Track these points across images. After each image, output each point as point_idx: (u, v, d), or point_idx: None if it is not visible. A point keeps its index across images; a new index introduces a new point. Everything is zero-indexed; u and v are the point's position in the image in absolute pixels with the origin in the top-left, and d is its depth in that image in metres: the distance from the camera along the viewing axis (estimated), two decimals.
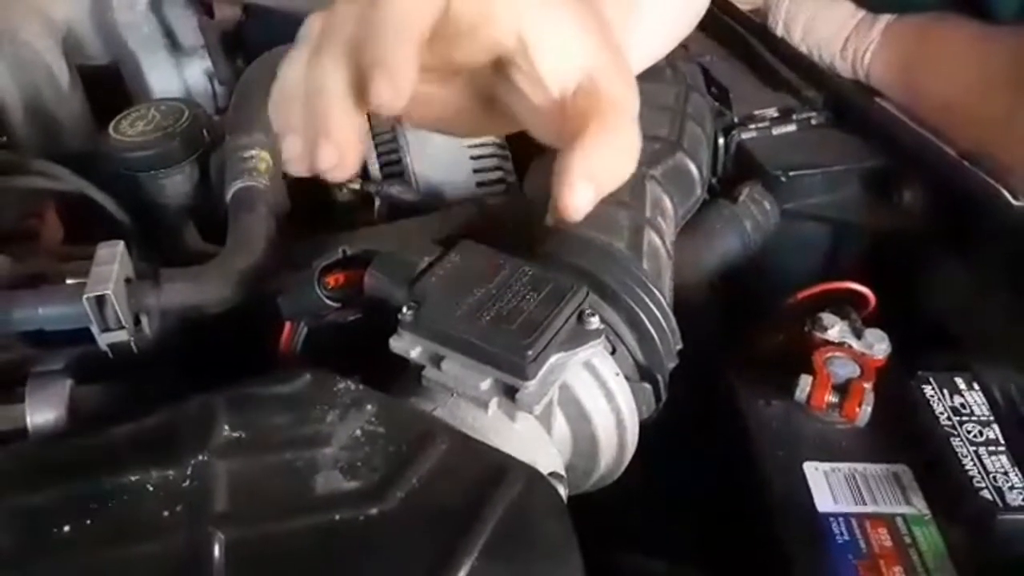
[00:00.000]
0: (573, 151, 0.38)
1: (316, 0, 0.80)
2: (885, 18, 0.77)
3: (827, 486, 0.48)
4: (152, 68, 0.83)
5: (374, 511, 0.35)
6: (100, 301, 0.47)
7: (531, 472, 0.38)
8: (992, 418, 0.49)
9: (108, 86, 0.84)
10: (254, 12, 0.82)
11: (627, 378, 0.47)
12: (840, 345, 0.53)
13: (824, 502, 0.47)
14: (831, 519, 0.46)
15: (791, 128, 0.72)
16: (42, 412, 0.46)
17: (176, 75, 0.84)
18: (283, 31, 0.78)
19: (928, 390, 0.51)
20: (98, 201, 0.65)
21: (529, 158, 0.63)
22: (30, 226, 0.64)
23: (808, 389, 0.51)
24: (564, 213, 0.38)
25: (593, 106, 0.38)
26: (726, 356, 0.58)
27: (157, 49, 0.83)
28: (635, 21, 0.50)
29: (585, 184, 0.38)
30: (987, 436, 0.48)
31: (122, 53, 0.84)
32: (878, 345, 0.54)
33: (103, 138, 0.66)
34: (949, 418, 0.49)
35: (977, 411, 0.49)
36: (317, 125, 0.35)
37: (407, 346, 0.44)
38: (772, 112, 0.72)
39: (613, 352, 0.48)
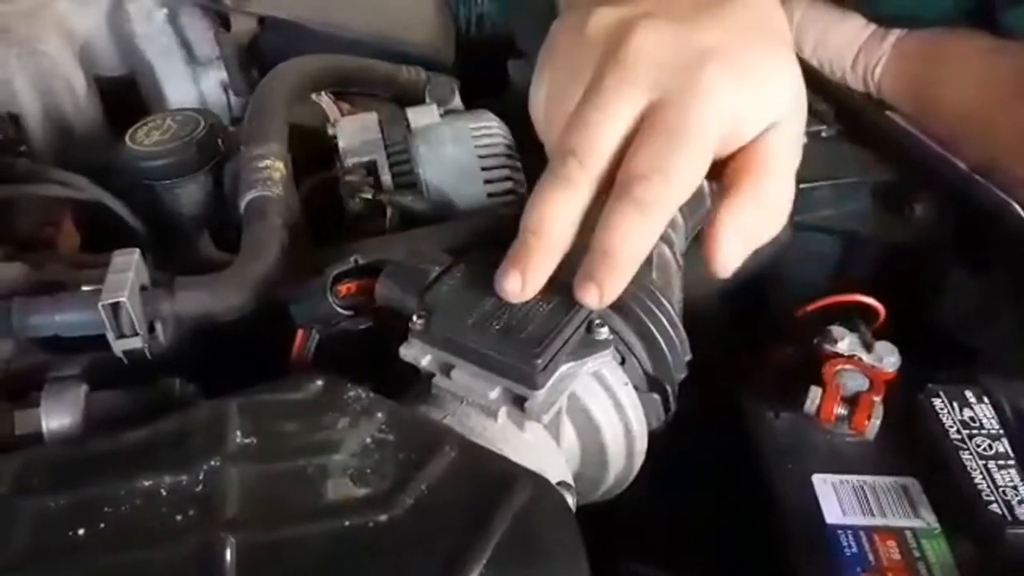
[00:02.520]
0: (725, 207, 0.38)
1: (331, 13, 0.82)
2: (896, 32, 0.77)
3: (836, 498, 0.48)
4: (168, 79, 0.84)
5: (383, 518, 0.36)
6: (115, 308, 0.47)
7: (539, 481, 0.38)
8: (1002, 432, 0.49)
9: (125, 96, 0.85)
10: (270, 24, 0.83)
11: (636, 388, 0.48)
12: (850, 358, 0.53)
13: (833, 514, 0.47)
14: (840, 531, 0.46)
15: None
16: (58, 417, 0.47)
17: (192, 86, 0.85)
18: (298, 43, 0.79)
19: (938, 403, 0.51)
20: (114, 209, 0.66)
21: (540, 169, 0.63)
22: (47, 234, 0.65)
23: (817, 401, 0.51)
24: (715, 268, 0.40)
25: (752, 162, 0.39)
26: (735, 368, 0.58)
27: (174, 60, 0.85)
28: None
29: (735, 240, 0.38)
30: (996, 450, 0.48)
31: (139, 64, 0.85)
32: (888, 358, 0.54)
33: (119, 147, 0.67)
34: (958, 431, 0.49)
35: (987, 424, 0.49)
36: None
37: (417, 354, 0.44)
38: None
39: (622, 362, 0.48)
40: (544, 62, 0.42)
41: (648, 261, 0.53)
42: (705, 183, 0.63)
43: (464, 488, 0.37)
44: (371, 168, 0.66)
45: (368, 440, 0.40)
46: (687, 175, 0.38)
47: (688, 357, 0.52)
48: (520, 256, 0.41)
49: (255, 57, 0.85)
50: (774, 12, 0.42)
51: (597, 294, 0.40)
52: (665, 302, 0.50)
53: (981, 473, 0.46)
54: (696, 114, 0.38)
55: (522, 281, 0.41)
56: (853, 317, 0.57)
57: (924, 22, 0.76)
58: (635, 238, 0.39)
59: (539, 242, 0.41)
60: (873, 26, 0.79)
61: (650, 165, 0.38)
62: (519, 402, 0.42)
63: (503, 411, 0.43)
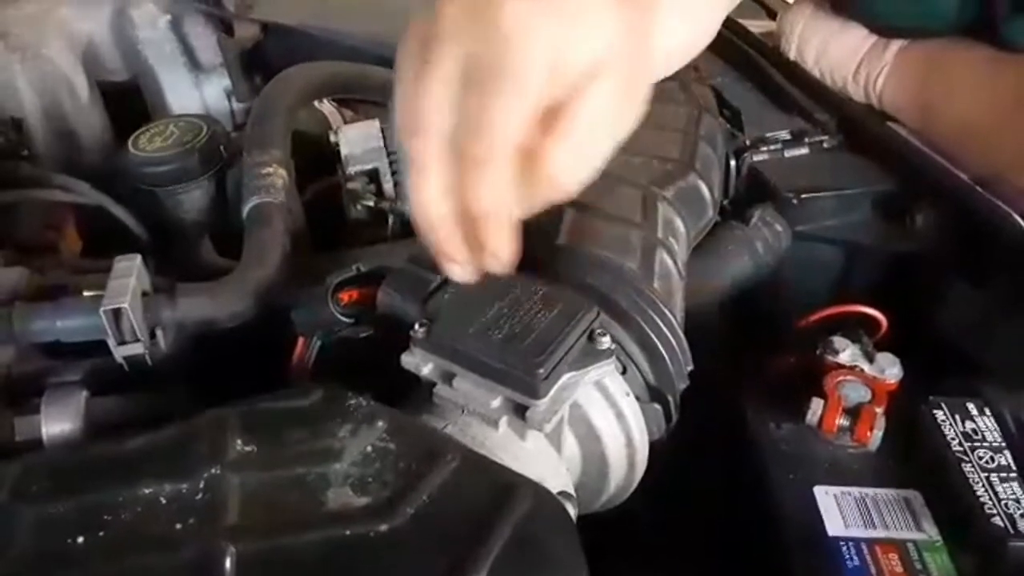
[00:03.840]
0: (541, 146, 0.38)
1: (333, 20, 0.82)
2: (898, 43, 0.78)
3: (838, 510, 0.47)
4: (171, 85, 0.85)
5: (384, 527, 0.36)
6: (117, 314, 0.47)
7: (540, 490, 0.38)
8: (1004, 444, 0.49)
9: (128, 102, 0.85)
10: (273, 31, 0.83)
11: (637, 398, 0.48)
12: (852, 369, 0.53)
13: (835, 526, 0.47)
14: (841, 543, 0.46)
15: (803, 151, 0.72)
16: (58, 423, 0.47)
17: (195, 92, 0.85)
18: (301, 50, 0.79)
19: (939, 415, 0.50)
20: (116, 215, 0.66)
21: None
22: (49, 238, 0.65)
23: (819, 412, 0.51)
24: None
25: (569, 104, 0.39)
26: (737, 378, 0.57)
27: (177, 66, 0.85)
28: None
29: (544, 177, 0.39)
30: (998, 462, 0.48)
31: (142, 70, 0.85)
32: (890, 369, 0.53)
33: (122, 153, 0.67)
34: (960, 444, 0.49)
35: (989, 437, 0.49)
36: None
37: (419, 363, 0.44)
38: (784, 135, 0.73)
39: (624, 372, 0.48)
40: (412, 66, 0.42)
41: (650, 270, 0.53)
42: (707, 191, 0.63)
43: (465, 497, 0.37)
44: (373, 176, 0.67)
45: (369, 449, 0.39)
46: (511, 119, 0.37)
47: (690, 367, 0.51)
48: (437, 250, 0.42)
49: (258, 63, 0.85)
50: None
51: (498, 263, 0.40)
52: (667, 312, 0.50)
53: (983, 485, 0.46)
54: (502, 57, 0.37)
55: (452, 265, 0.42)
56: (855, 328, 0.56)
57: (926, 33, 0.76)
58: (486, 194, 0.38)
59: (430, 232, 0.41)
60: (875, 37, 0.79)
61: (474, 120, 0.38)
62: (520, 411, 0.42)
63: (504, 420, 0.43)
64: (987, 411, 0.51)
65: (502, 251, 0.40)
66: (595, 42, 0.39)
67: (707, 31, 0.58)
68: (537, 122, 0.38)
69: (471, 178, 0.38)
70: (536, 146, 0.38)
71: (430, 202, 0.40)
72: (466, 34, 0.38)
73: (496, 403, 0.42)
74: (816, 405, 0.51)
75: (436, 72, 0.38)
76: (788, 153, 0.72)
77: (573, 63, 0.38)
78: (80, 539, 0.36)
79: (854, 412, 0.51)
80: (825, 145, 0.72)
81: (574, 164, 0.40)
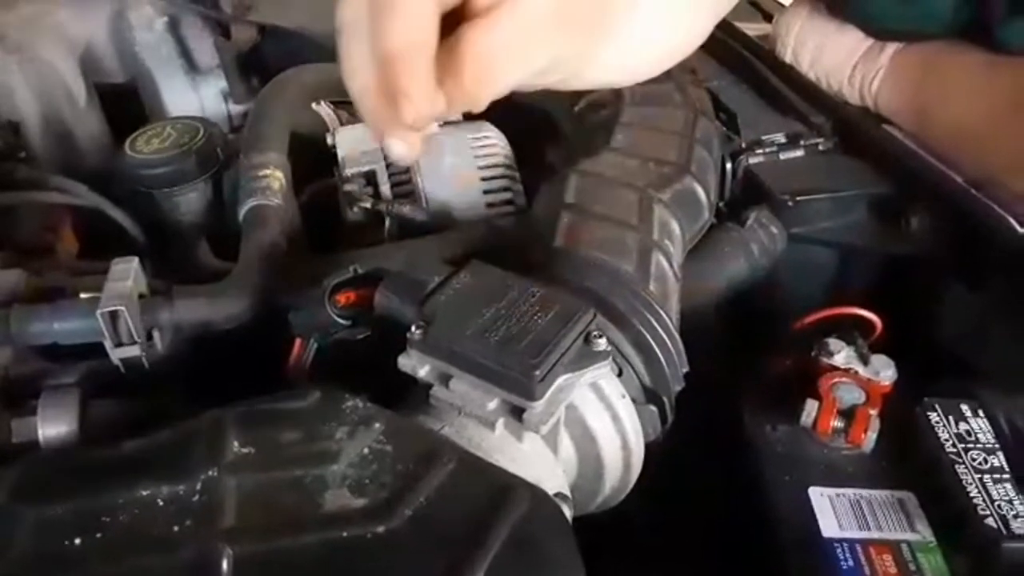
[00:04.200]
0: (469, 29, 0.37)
1: (331, 22, 0.82)
2: (893, 46, 0.78)
3: (832, 511, 0.48)
4: (168, 87, 0.85)
5: (381, 529, 0.36)
6: (114, 316, 0.47)
7: (536, 492, 0.38)
8: (997, 446, 0.49)
9: (125, 104, 0.85)
10: (270, 33, 0.83)
11: (633, 400, 0.48)
12: (846, 371, 0.54)
13: (829, 527, 0.47)
14: (836, 544, 0.46)
15: (799, 153, 0.72)
16: (54, 425, 0.47)
17: (192, 94, 0.85)
18: (298, 52, 0.79)
19: (933, 417, 0.51)
20: (113, 217, 0.66)
21: (538, 181, 0.64)
22: (46, 240, 0.65)
23: (814, 414, 0.51)
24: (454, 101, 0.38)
25: None
26: (732, 380, 0.58)
27: (174, 69, 0.85)
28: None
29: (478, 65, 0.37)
30: (992, 464, 0.48)
31: (139, 72, 0.85)
32: (884, 371, 0.54)
33: (119, 155, 0.67)
34: (954, 445, 0.49)
35: (982, 438, 0.49)
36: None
37: (415, 364, 0.44)
38: (780, 137, 0.73)
39: (620, 374, 0.48)
40: None
41: (646, 273, 0.53)
42: (703, 193, 0.64)
43: (462, 499, 0.37)
44: (370, 178, 0.67)
45: (366, 450, 0.40)
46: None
47: (685, 369, 0.52)
48: (369, 121, 0.39)
49: (255, 66, 0.85)
50: None
51: (411, 108, 0.36)
52: (663, 314, 0.50)
53: (977, 487, 0.47)
54: None
55: (387, 136, 0.39)
56: (850, 330, 0.57)
57: (921, 36, 0.77)
58: (398, 28, 0.36)
59: (360, 102, 0.38)
60: (870, 40, 0.79)
61: None
62: (517, 413, 0.42)
63: (501, 422, 0.43)
64: (981, 413, 0.51)
65: (417, 93, 0.36)
66: None
67: (694, 34, 0.58)
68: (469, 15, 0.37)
69: (383, 14, 0.36)
70: (462, 31, 0.37)
71: (356, 68, 0.37)
72: None
73: (492, 405, 0.42)
74: (811, 407, 0.51)
75: None
76: (784, 156, 0.72)
77: None
78: (78, 541, 0.36)
79: (849, 414, 0.51)
80: (820, 148, 0.73)
81: (499, 56, 0.38)
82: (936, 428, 0.50)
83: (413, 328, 0.44)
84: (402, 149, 0.39)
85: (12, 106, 0.77)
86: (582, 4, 0.40)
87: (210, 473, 0.38)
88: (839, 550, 0.45)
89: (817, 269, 0.70)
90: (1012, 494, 0.46)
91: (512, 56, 0.39)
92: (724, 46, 0.84)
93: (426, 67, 0.37)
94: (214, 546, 0.35)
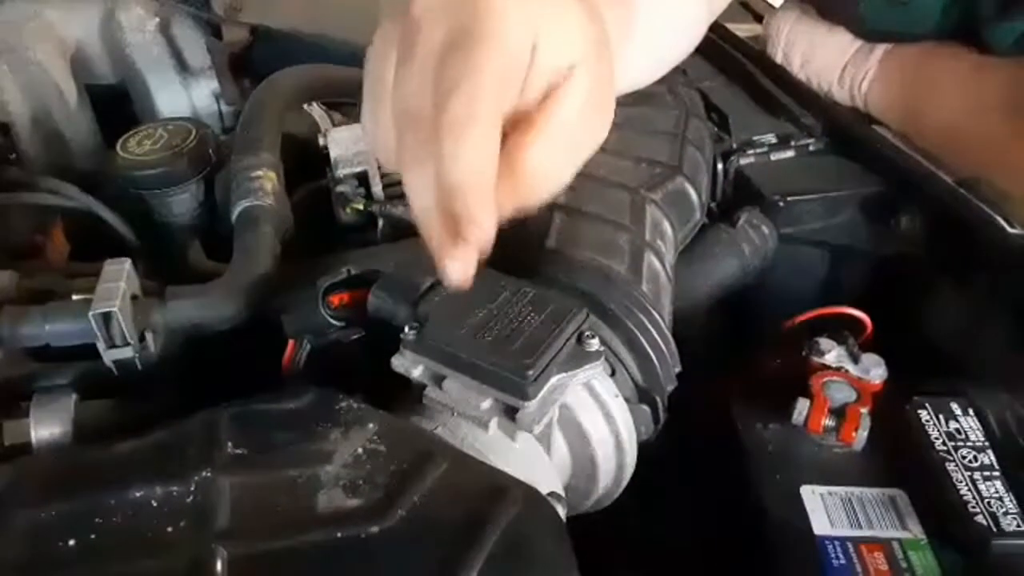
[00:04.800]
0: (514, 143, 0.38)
1: (322, 23, 0.82)
2: (882, 47, 0.78)
3: (824, 510, 0.48)
4: (160, 88, 0.84)
5: (375, 529, 0.36)
6: (106, 318, 0.47)
7: (530, 492, 0.38)
8: (987, 444, 0.49)
9: (116, 106, 0.85)
10: (262, 34, 0.83)
11: (626, 400, 0.48)
12: (837, 370, 0.54)
13: (821, 525, 0.47)
14: (827, 543, 0.46)
15: (789, 154, 0.73)
16: (47, 427, 0.47)
17: (184, 95, 0.85)
18: (290, 53, 0.79)
19: (924, 415, 0.51)
20: (105, 218, 0.66)
21: None
22: (37, 242, 0.65)
23: (805, 413, 0.51)
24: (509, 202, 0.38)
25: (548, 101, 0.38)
26: (724, 379, 0.58)
27: (165, 70, 0.85)
28: (628, 38, 0.51)
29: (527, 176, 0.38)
30: (982, 461, 0.48)
31: (131, 73, 0.85)
32: (875, 370, 0.54)
33: (111, 156, 0.67)
34: (944, 443, 0.49)
35: (972, 437, 0.50)
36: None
37: (409, 365, 0.44)
38: (771, 138, 0.73)
39: (612, 374, 0.49)
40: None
41: (638, 273, 0.53)
42: (694, 194, 0.64)
43: (455, 499, 0.37)
44: (362, 179, 0.67)
45: (360, 451, 0.40)
46: (491, 78, 0.36)
47: (678, 369, 0.52)
48: (430, 243, 0.39)
49: (246, 67, 0.85)
50: None
51: (478, 232, 0.37)
52: (655, 314, 0.50)
53: (967, 485, 0.47)
54: (484, 23, 0.36)
55: (446, 260, 0.38)
56: (840, 329, 0.57)
57: (910, 38, 0.77)
58: (465, 159, 0.36)
59: (421, 224, 0.39)
60: (860, 42, 0.80)
61: (454, 80, 0.36)
62: (510, 413, 0.42)
63: (494, 422, 0.43)
64: (970, 411, 0.51)
65: (484, 219, 0.37)
66: (571, 39, 0.39)
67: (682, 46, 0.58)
68: (514, 125, 0.38)
69: (449, 142, 0.36)
70: (513, 146, 0.38)
71: (419, 190, 0.38)
72: (446, 15, 0.37)
73: (486, 405, 0.43)
74: (802, 405, 0.51)
75: (417, 59, 0.37)
76: (774, 156, 0.72)
77: (550, 56, 0.38)
78: (71, 542, 0.36)
79: (840, 412, 0.51)
80: (811, 148, 0.73)
81: (551, 164, 0.39)
82: (926, 426, 0.50)
83: (406, 329, 0.44)
84: (461, 271, 0.38)
85: (2, 107, 0.76)
86: (604, 78, 0.41)
87: (204, 474, 0.38)
88: (830, 548, 0.46)
89: (808, 269, 0.70)
90: (1002, 492, 0.46)
91: (564, 159, 0.40)
92: (715, 47, 0.85)
93: (490, 192, 0.37)
94: (208, 547, 0.35)
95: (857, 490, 0.49)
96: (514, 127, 0.38)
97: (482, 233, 0.37)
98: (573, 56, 0.39)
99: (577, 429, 0.46)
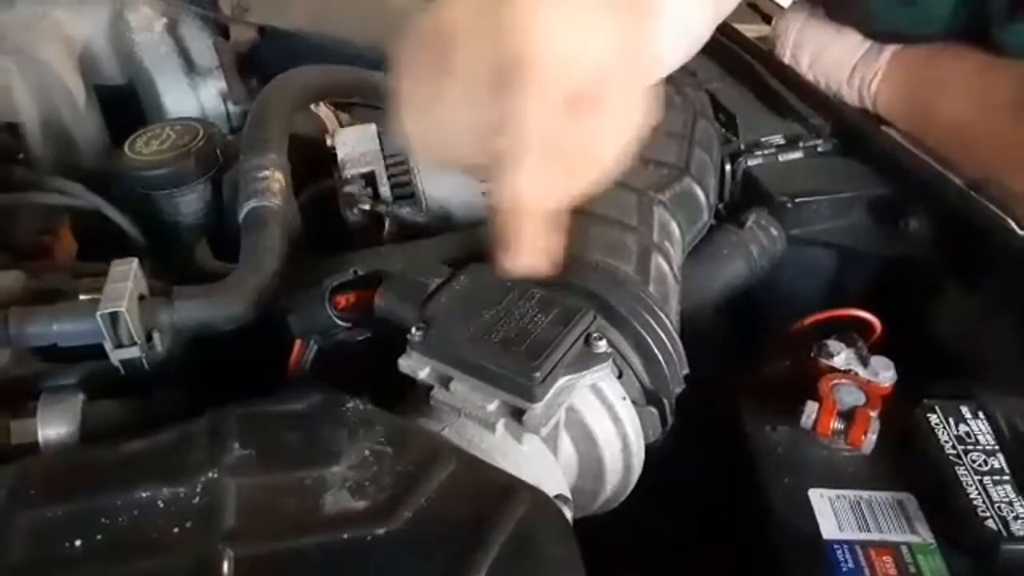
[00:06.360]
0: None
1: (330, 23, 0.82)
2: (892, 48, 0.78)
3: (832, 513, 0.48)
4: (168, 88, 0.84)
5: (381, 531, 0.36)
6: (114, 317, 0.47)
7: (537, 494, 0.38)
8: (997, 447, 0.49)
9: (124, 106, 0.85)
10: (269, 34, 0.83)
11: (633, 402, 0.48)
12: (846, 372, 0.54)
13: (829, 529, 0.47)
14: (836, 546, 0.46)
15: (798, 155, 0.72)
16: (54, 427, 0.47)
17: (191, 95, 0.85)
18: (297, 53, 0.79)
19: (933, 418, 0.51)
20: (112, 218, 0.66)
21: None
22: (44, 242, 0.65)
23: (814, 416, 0.51)
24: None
25: None
26: (732, 381, 0.58)
27: (173, 70, 0.85)
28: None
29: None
30: (992, 465, 0.48)
31: (138, 73, 0.85)
32: (884, 373, 0.54)
33: (118, 156, 0.67)
34: (954, 447, 0.49)
35: (982, 440, 0.49)
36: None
37: (416, 366, 0.44)
38: (779, 139, 0.73)
39: (620, 376, 0.48)
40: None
41: (646, 274, 0.53)
42: (702, 195, 0.64)
43: (462, 501, 0.37)
44: (370, 179, 0.67)
45: (366, 452, 0.40)
46: (540, 112, 0.38)
47: (685, 371, 0.52)
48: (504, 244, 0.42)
49: (254, 67, 0.85)
50: None
51: (528, 255, 0.41)
52: (663, 315, 0.50)
53: (976, 488, 0.47)
54: (523, 54, 0.38)
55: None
56: (849, 331, 0.57)
57: (919, 38, 0.77)
58: (528, 188, 0.40)
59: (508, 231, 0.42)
60: (869, 42, 0.80)
61: (507, 118, 0.38)
62: (517, 414, 0.42)
63: (501, 423, 0.43)
64: (980, 414, 0.51)
65: (535, 241, 0.41)
66: (603, 38, 0.40)
67: (699, 38, 0.58)
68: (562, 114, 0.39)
69: (511, 175, 0.39)
70: (564, 134, 0.39)
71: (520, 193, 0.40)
72: (482, 36, 0.38)
73: (493, 406, 0.42)
74: (811, 408, 0.51)
75: (460, 82, 0.39)
76: (783, 157, 0.72)
77: (587, 56, 0.39)
78: (78, 543, 0.36)
79: (848, 415, 0.51)
80: (819, 149, 0.73)
81: (601, 148, 0.41)
82: (936, 429, 0.50)
83: (413, 330, 0.44)
84: (515, 266, 0.42)
85: (11, 107, 0.77)
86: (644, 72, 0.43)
87: (210, 475, 0.38)
88: (839, 551, 0.46)
89: (816, 270, 0.70)
90: (1012, 495, 0.46)
91: (613, 143, 0.42)
92: (723, 48, 0.84)
93: (545, 212, 0.41)
94: (214, 548, 0.35)
95: (866, 493, 0.49)
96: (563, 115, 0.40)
97: (534, 249, 0.41)
98: (607, 48, 0.40)
99: (584, 431, 0.46)
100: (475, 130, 0.40)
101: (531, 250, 0.41)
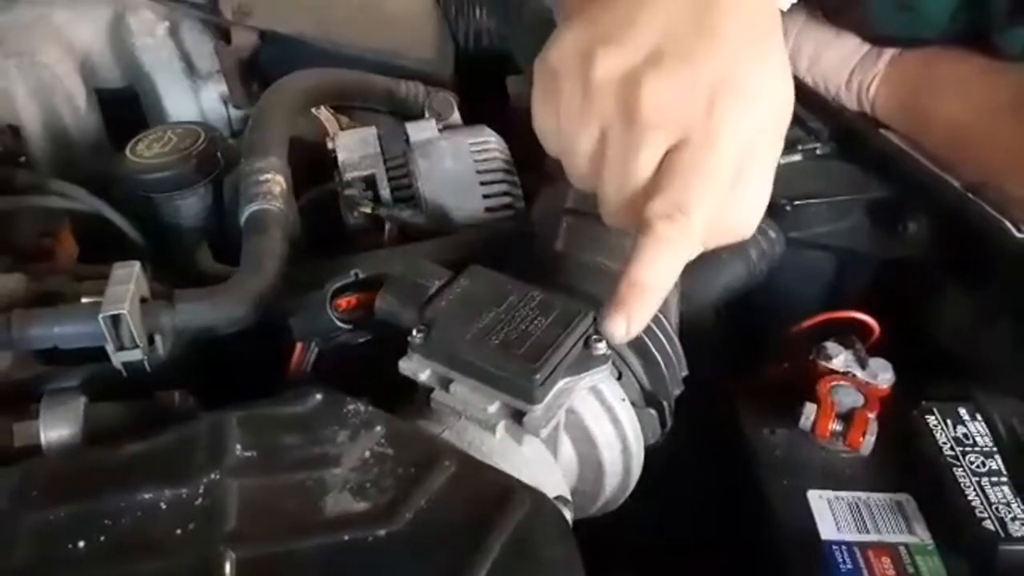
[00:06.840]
0: None
1: (331, 27, 0.82)
2: (890, 51, 0.78)
3: (831, 514, 0.48)
4: (169, 92, 0.85)
5: (382, 532, 0.36)
6: (115, 320, 0.47)
7: (537, 495, 0.38)
8: (995, 449, 0.49)
9: (125, 109, 0.85)
10: (270, 38, 0.83)
11: (633, 404, 0.48)
12: (844, 374, 0.54)
13: (828, 530, 0.47)
14: (835, 547, 0.46)
15: (796, 158, 0.72)
16: (56, 429, 0.47)
17: (192, 99, 0.85)
18: (298, 57, 0.79)
19: (931, 420, 0.51)
20: (114, 221, 0.66)
21: (538, 185, 0.64)
22: (45, 245, 0.65)
23: (812, 417, 0.51)
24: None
25: None
26: (731, 384, 0.58)
27: (174, 73, 0.85)
28: None
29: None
30: (989, 467, 0.48)
31: (139, 77, 0.85)
32: (882, 374, 0.54)
33: (119, 160, 0.67)
34: (952, 448, 0.49)
35: (980, 441, 0.50)
36: None
37: (416, 368, 0.44)
38: None
39: (619, 378, 0.49)
40: (547, 96, 0.43)
41: None
42: None
43: (462, 503, 0.37)
44: (370, 182, 0.67)
45: (367, 454, 0.40)
46: (707, 210, 0.40)
47: (684, 373, 0.52)
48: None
49: (255, 71, 0.85)
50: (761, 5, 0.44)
51: (625, 325, 0.42)
52: (662, 318, 0.51)
53: (974, 490, 0.47)
54: (712, 153, 0.40)
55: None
56: (848, 333, 0.57)
57: (918, 42, 0.77)
58: (662, 272, 0.41)
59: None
60: (867, 45, 0.80)
61: (673, 204, 0.40)
62: (517, 416, 0.42)
63: (501, 425, 0.43)
64: (978, 416, 0.51)
65: (638, 325, 0.42)
66: (780, 115, 0.43)
67: None
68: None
69: (653, 253, 0.40)
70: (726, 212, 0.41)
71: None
72: (683, 124, 0.40)
73: (493, 408, 0.43)
74: (809, 410, 0.51)
75: (644, 156, 0.40)
76: (781, 160, 0.72)
77: (763, 140, 0.42)
78: (80, 544, 0.36)
79: (847, 417, 0.51)
80: (818, 152, 0.73)
81: (751, 206, 0.43)
82: (934, 431, 0.50)
83: (414, 332, 0.44)
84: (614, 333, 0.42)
85: (12, 110, 0.77)
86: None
87: (212, 476, 0.39)
88: (838, 553, 0.46)
89: (815, 273, 0.70)
90: (1010, 497, 0.46)
91: (759, 197, 0.44)
92: None
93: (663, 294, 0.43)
94: (217, 549, 0.35)
95: (864, 495, 0.49)
96: None
97: (630, 334, 0.42)
98: (774, 125, 0.43)
99: (584, 433, 0.46)
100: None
101: (644, 323, 0.42)
